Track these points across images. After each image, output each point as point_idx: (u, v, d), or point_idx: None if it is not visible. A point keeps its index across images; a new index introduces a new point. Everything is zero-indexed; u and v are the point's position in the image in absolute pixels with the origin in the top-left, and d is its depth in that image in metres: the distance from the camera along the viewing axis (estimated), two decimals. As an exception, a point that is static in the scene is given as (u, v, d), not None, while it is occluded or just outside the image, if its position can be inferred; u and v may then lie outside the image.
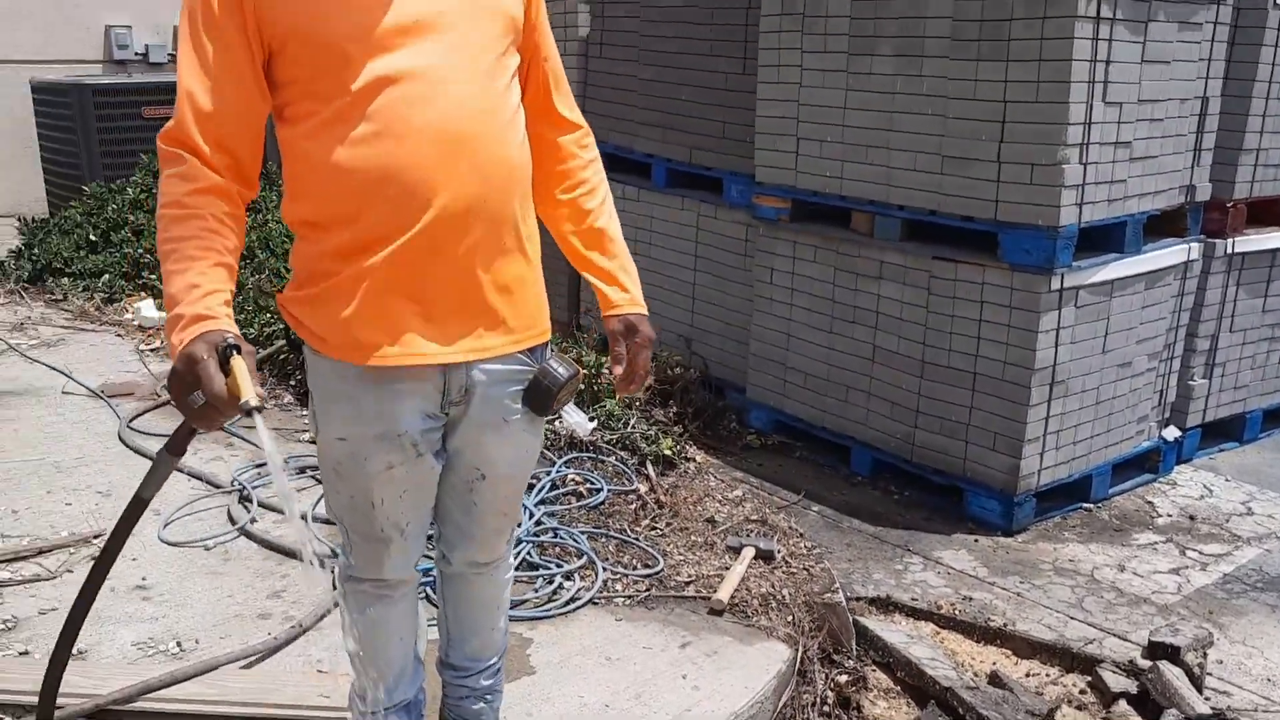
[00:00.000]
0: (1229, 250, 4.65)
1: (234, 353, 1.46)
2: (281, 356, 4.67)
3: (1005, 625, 3.44)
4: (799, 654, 2.85)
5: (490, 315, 1.77)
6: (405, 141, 1.63)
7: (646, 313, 1.99)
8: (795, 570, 3.23)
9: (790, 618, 2.94)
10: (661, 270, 5.56)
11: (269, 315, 4.80)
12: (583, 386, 4.18)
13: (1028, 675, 3.25)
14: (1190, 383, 4.77)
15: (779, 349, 4.89)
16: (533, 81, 1.93)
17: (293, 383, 4.60)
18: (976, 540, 4.07)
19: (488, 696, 2.19)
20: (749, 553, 3.25)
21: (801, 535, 3.52)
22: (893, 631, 3.35)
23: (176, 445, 1.63)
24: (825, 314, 4.65)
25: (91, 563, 1.84)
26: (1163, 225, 4.35)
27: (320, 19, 1.61)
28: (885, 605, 3.58)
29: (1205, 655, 3.23)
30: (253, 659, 2.65)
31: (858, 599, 3.59)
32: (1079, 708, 2.97)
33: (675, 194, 5.44)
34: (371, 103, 1.62)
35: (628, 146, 5.68)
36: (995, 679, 3.16)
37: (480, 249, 1.73)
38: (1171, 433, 4.70)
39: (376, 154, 1.63)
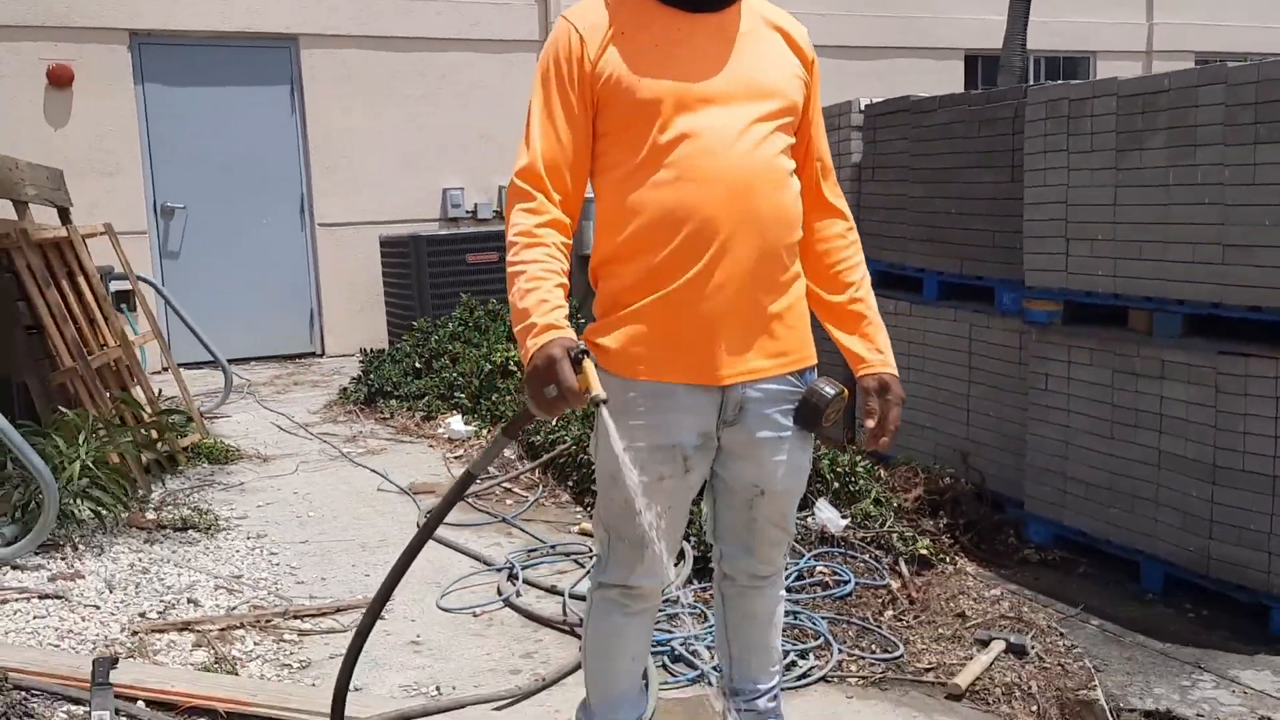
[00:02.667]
0: None
1: (585, 356, 1.81)
2: (561, 461, 5.03)
3: (1310, 750, 3.03)
4: (1042, 745, 2.67)
5: (765, 340, 2.03)
6: (700, 186, 1.93)
7: (897, 375, 2.19)
8: (1049, 666, 3.04)
9: (1035, 708, 2.78)
10: (935, 384, 5.50)
11: (553, 423, 5.21)
12: (838, 485, 4.19)
13: (1335, 805, 2.84)
14: None
15: (1057, 458, 4.67)
16: (805, 171, 2.19)
17: (569, 483, 4.94)
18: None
19: None
20: (998, 645, 3.11)
21: (1062, 635, 3.31)
22: (1168, 743, 3.05)
23: (512, 430, 2.06)
24: (1105, 419, 4.40)
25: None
26: None
27: (643, 81, 1.94)
28: (1164, 719, 3.27)
29: None
30: (498, 703, 2.85)
31: (1130, 710, 3.29)
32: None
33: (947, 306, 5.42)
34: (672, 153, 1.94)
35: (900, 263, 5.73)
36: (1290, 803, 2.79)
37: (759, 280, 2.00)
38: None
39: (676, 195, 1.94)
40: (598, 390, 1.78)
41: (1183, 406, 4.07)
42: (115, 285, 6.72)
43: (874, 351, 2.17)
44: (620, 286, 2.00)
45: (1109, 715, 2.93)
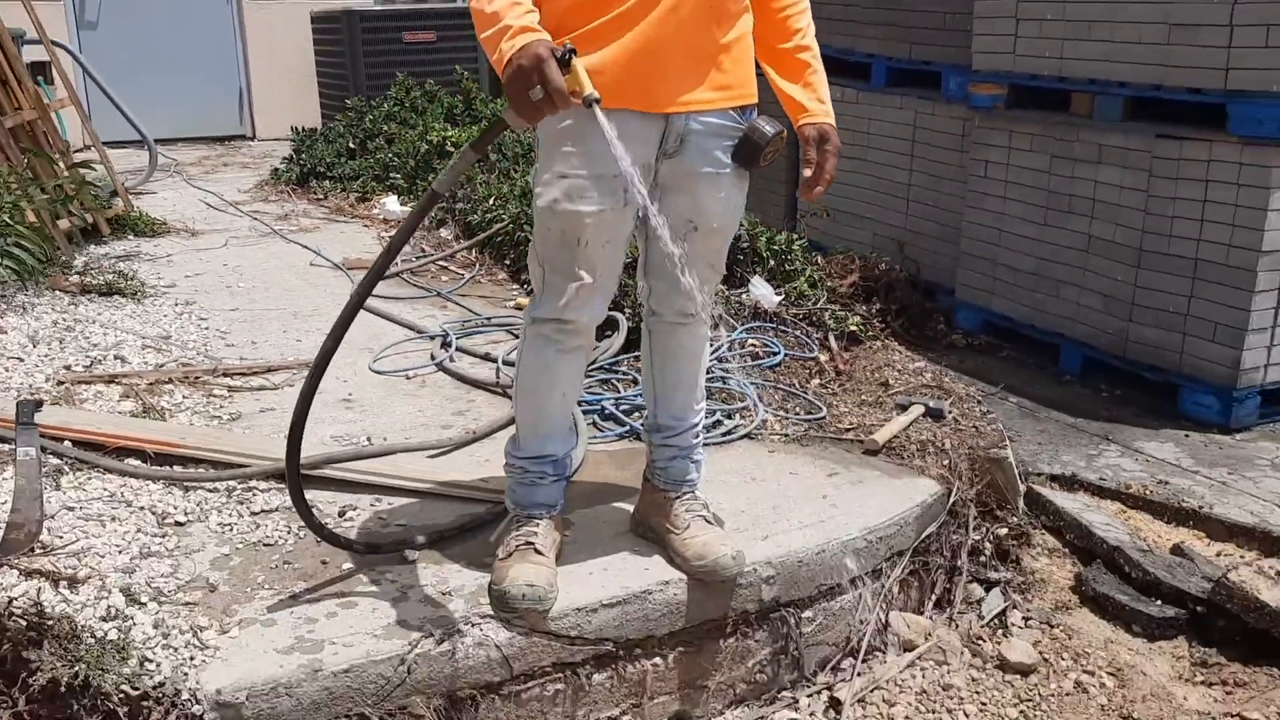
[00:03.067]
0: None
1: (572, 55, 1.73)
2: (498, 239, 4.98)
3: (1201, 508, 3.21)
4: (952, 494, 2.79)
5: (713, 72, 2.01)
6: None
7: (835, 126, 2.16)
8: (964, 428, 3.16)
9: (947, 462, 2.89)
10: (878, 174, 5.47)
11: (490, 202, 5.12)
12: (774, 263, 4.21)
13: (1219, 555, 3.02)
14: None
15: (989, 245, 4.72)
16: None
17: (506, 261, 4.90)
18: (1187, 435, 3.79)
19: (694, 457, 2.42)
20: (917, 409, 3.20)
21: (979, 403, 3.41)
22: (1068, 500, 3.21)
23: (482, 144, 2.00)
24: (1039, 205, 4.43)
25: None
26: None
27: None
28: (1068, 482, 3.42)
29: None
30: (429, 452, 2.90)
31: (1039, 474, 3.45)
32: (1258, 572, 2.75)
33: (894, 93, 5.33)
34: None
35: (849, 49, 5.59)
36: (1177, 550, 2.98)
37: (712, 8, 1.97)
38: None
39: None
40: (590, 89, 1.72)
41: (1115, 191, 4.10)
42: (29, 55, 6.35)
43: (816, 101, 2.15)
44: (565, 7, 1.94)
45: (1015, 469, 3.06)
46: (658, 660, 2.28)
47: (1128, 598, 2.74)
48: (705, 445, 2.97)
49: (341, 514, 2.55)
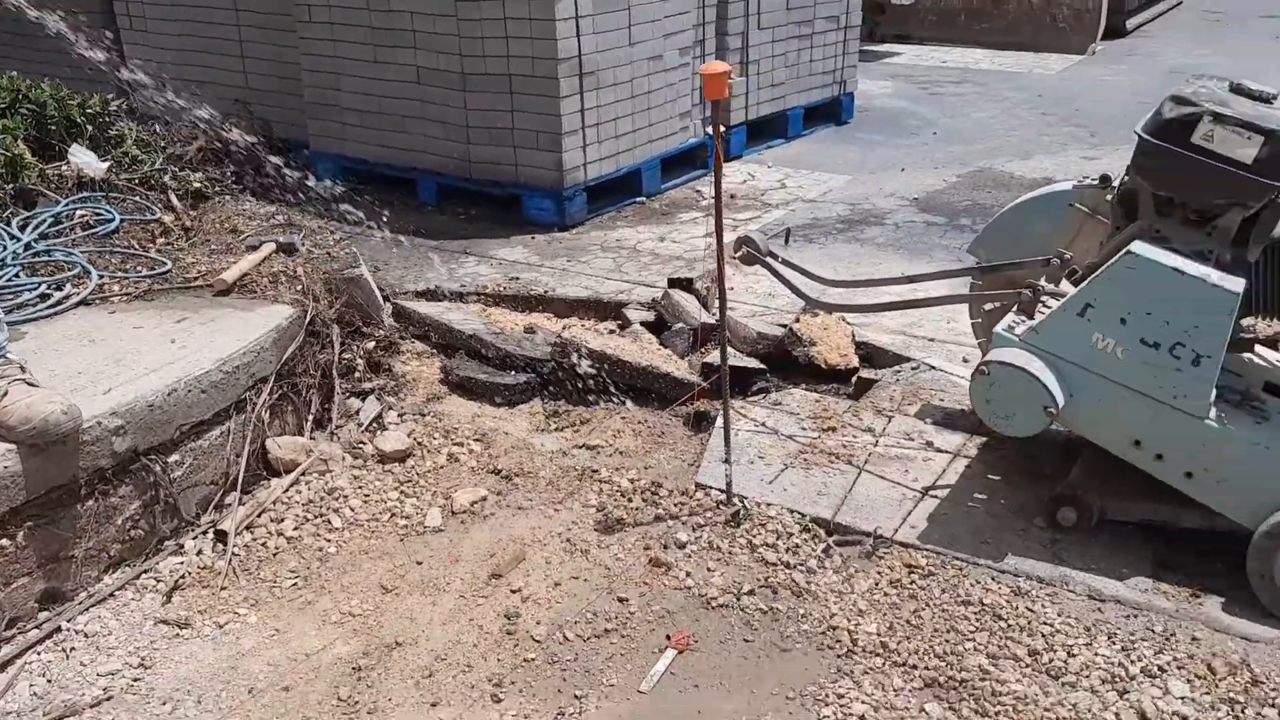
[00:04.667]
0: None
1: None
2: None
3: (546, 293, 3.58)
4: (308, 315, 2.83)
5: None
6: None
7: None
8: (317, 256, 3.19)
9: (301, 288, 2.91)
10: (205, 34, 5.18)
11: None
12: (93, 130, 3.85)
13: (564, 329, 3.41)
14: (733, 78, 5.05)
15: (331, 91, 4.72)
16: None
17: None
18: (533, 238, 4.19)
19: None
20: (268, 247, 3.16)
21: (332, 232, 3.46)
22: (431, 308, 3.41)
23: None
24: (368, 43, 4.49)
25: None
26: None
27: None
28: (433, 295, 3.64)
29: (710, 285, 3.53)
30: None
31: (405, 293, 3.62)
32: (586, 329, 3.17)
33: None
34: None
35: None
36: (529, 329, 3.31)
37: None
38: (716, 129, 4.99)
39: None
40: None
41: (430, 20, 4.26)
42: None
43: None
44: None
45: (374, 285, 3.16)
46: (4, 542, 2.07)
47: (486, 375, 3.00)
48: (34, 320, 2.71)
49: None
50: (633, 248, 4.04)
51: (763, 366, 3.03)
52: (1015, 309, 2.31)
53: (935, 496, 2.42)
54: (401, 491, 2.54)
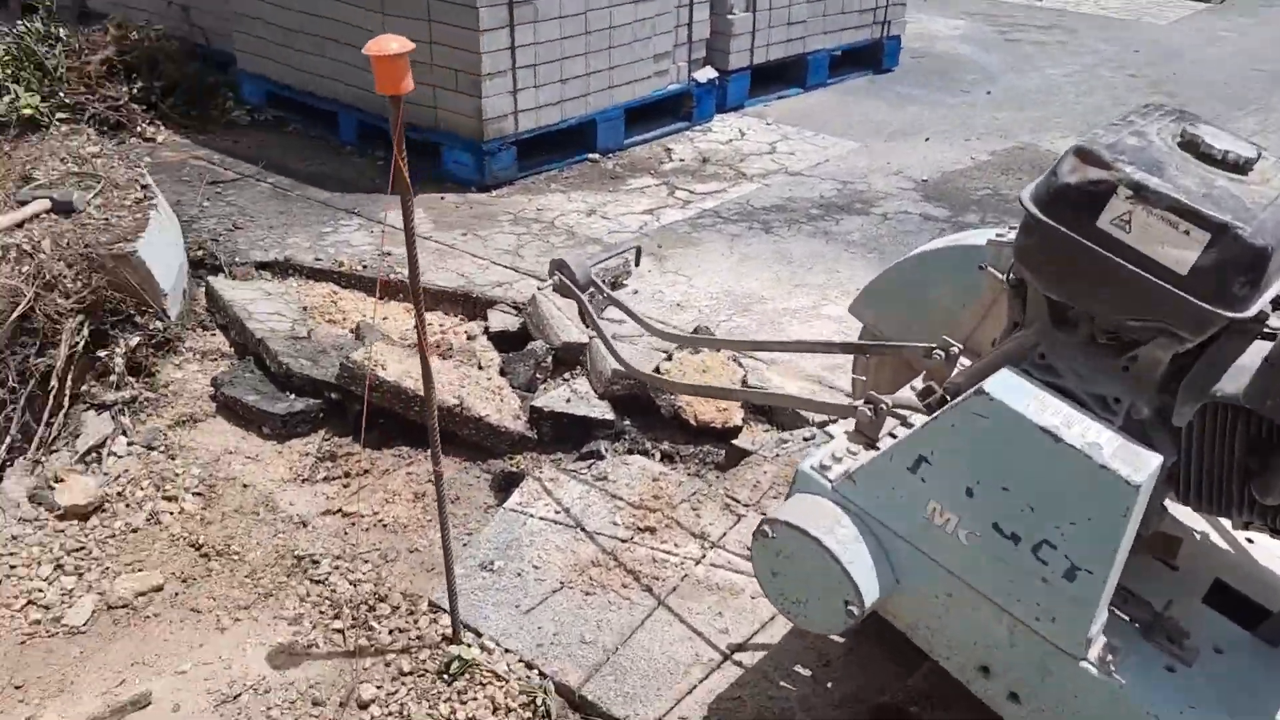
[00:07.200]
0: None
1: None
2: None
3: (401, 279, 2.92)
4: (17, 308, 2.23)
5: None
6: None
7: None
8: (94, 220, 2.58)
9: (30, 267, 2.31)
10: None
11: None
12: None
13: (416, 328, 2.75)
14: (729, 16, 4.22)
15: (258, 2, 4.07)
16: None
17: None
18: (443, 198, 3.50)
19: None
20: (38, 205, 2.57)
21: (142, 186, 2.83)
22: (245, 291, 2.79)
23: None
24: (291, -49, 3.83)
25: None
26: None
27: None
28: (281, 268, 3.01)
29: (615, 280, 2.80)
30: None
31: (246, 263, 3.01)
32: (390, 344, 2.50)
33: None
34: None
35: None
36: (357, 330, 2.67)
37: None
38: (706, 74, 4.18)
39: None
40: None
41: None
42: None
43: None
44: None
45: (147, 266, 2.52)
46: None
47: (258, 398, 2.37)
48: None
49: None
50: (549, 222, 3.33)
51: (610, 418, 2.31)
52: (910, 383, 1.57)
53: (740, 664, 1.71)
54: (60, 566, 1.95)
